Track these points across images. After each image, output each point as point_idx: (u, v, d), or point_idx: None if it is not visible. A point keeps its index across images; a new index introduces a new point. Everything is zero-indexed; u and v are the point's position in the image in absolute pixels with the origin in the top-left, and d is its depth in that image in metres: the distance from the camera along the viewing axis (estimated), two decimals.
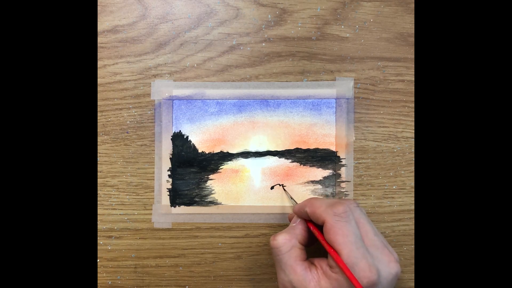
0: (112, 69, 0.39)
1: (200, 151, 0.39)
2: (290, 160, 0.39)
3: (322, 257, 0.31)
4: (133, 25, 0.38)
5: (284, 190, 0.38)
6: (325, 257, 0.30)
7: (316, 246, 0.33)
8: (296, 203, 0.35)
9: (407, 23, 0.38)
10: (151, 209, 0.39)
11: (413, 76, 0.38)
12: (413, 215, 0.38)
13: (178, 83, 0.39)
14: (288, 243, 0.31)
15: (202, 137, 0.39)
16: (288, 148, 0.39)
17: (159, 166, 0.39)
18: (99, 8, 0.38)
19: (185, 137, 0.39)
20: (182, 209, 0.39)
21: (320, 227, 0.31)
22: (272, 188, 0.39)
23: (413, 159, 0.38)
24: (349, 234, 0.28)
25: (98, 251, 0.39)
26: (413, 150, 0.38)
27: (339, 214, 0.29)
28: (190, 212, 0.39)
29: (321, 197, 0.38)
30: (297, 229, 0.32)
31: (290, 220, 0.34)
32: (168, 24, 0.38)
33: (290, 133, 0.39)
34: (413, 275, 0.38)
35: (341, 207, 0.29)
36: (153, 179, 0.39)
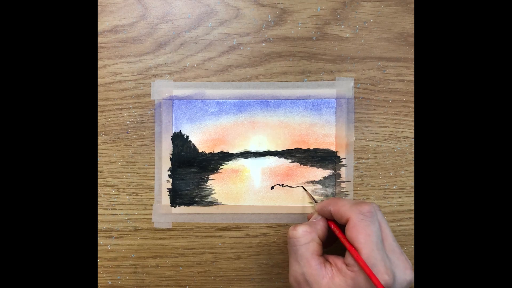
0: (112, 69, 0.39)
1: (200, 151, 0.39)
2: (290, 160, 0.39)
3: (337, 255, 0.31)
4: (133, 25, 0.38)
5: (305, 190, 0.38)
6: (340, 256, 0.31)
7: (330, 247, 0.33)
8: (316, 202, 0.36)
9: (407, 23, 0.38)
10: (151, 209, 0.39)
11: (413, 76, 0.38)
12: (413, 215, 0.38)
13: (178, 83, 0.39)
14: (308, 235, 0.31)
15: (202, 137, 0.39)
16: (288, 148, 0.39)
17: (159, 166, 0.39)
18: (99, 8, 0.38)
19: (185, 137, 0.39)
20: (182, 209, 0.39)
21: (341, 226, 0.31)
22: (272, 188, 0.39)
23: (413, 159, 0.38)
24: (372, 234, 0.28)
25: (98, 251, 0.39)
26: (413, 150, 0.38)
27: (364, 213, 0.29)
28: (190, 212, 0.39)
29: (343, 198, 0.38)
30: (318, 225, 0.32)
31: (309, 219, 0.34)
32: (168, 24, 0.38)
33: (290, 133, 0.39)
34: (413, 275, 0.38)
35: (367, 207, 0.29)
36: (153, 179, 0.39)
